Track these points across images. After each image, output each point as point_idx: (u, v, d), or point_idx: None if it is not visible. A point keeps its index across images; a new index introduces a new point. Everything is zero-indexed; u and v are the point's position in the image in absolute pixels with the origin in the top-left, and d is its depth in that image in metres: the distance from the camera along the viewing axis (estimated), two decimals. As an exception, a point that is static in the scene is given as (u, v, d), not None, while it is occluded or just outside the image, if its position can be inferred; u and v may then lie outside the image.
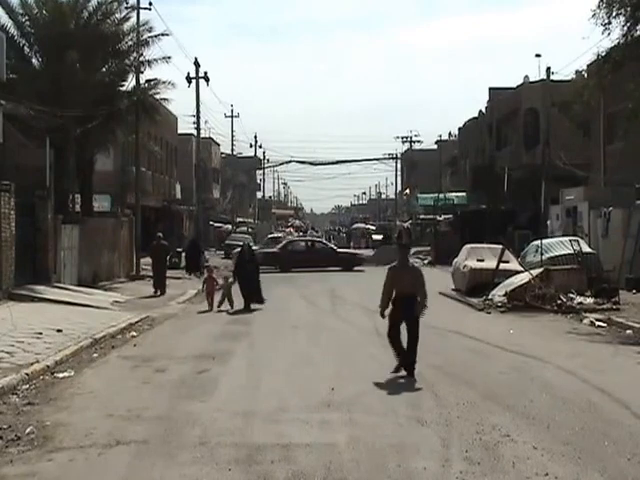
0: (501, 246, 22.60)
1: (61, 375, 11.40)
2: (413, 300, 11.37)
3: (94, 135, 29.12)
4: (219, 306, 20.36)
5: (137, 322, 17.50)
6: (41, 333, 14.32)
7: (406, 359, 11.08)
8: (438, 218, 52.26)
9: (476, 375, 11.19)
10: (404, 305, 11.31)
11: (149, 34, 30.57)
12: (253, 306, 20.27)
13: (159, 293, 24.52)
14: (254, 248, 39.36)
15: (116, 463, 7.21)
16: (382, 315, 11.53)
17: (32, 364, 11.48)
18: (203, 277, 22.11)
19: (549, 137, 35.70)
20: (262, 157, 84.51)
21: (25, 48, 28.27)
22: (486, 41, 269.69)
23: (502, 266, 21.71)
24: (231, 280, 20.94)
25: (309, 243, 39.63)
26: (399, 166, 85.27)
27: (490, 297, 20.44)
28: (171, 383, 10.89)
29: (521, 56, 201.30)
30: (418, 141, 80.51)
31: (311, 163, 75.72)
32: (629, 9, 19.15)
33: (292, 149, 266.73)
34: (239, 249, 24.31)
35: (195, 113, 42.43)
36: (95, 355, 13.35)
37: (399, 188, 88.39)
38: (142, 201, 34.92)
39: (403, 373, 11.06)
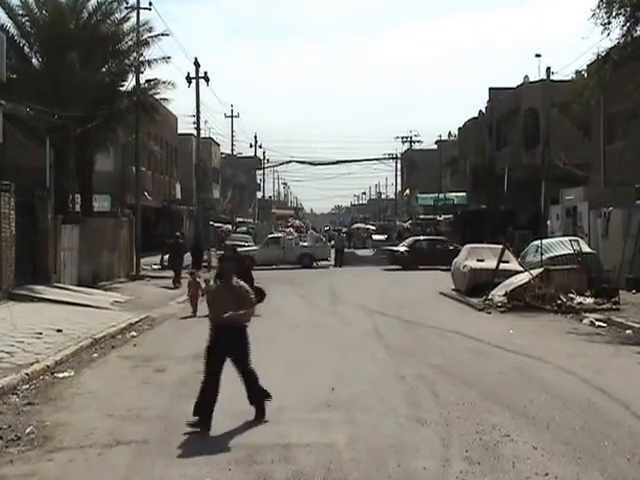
0: (501, 246, 22.61)
1: (61, 375, 11.41)
2: (237, 331, 8.57)
3: (94, 135, 29.14)
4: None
5: (137, 322, 17.51)
6: (41, 333, 14.33)
7: (212, 405, 8.37)
8: (438, 218, 52.30)
9: (476, 375, 11.18)
10: (226, 337, 8.50)
11: (149, 34, 30.61)
12: None
13: (177, 286, 25.99)
14: (250, 249, 39.91)
15: (116, 463, 7.21)
16: (208, 347, 8.71)
17: (32, 364, 11.49)
18: (187, 280, 21.11)
19: (549, 137, 35.70)
20: (262, 157, 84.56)
21: (25, 48, 28.28)
22: (486, 41, 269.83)
23: (502, 266, 21.71)
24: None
25: (432, 241, 39.79)
26: (399, 166, 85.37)
27: (490, 297, 20.44)
28: (171, 383, 10.89)
29: (521, 56, 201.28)
30: (418, 141, 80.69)
31: (311, 163, 75.83)
32: (629, 9, 19.15)
33: (292, 149, 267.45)
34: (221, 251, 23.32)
35: (195, 113, 42.42)
36: (95, 355, 13.35)
37: (399, 188, 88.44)
38: (142, 201, 34.94)
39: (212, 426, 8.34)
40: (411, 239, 39.26)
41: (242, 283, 8.81)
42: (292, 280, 30.49)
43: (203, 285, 19.86)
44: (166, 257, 31.18)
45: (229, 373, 11.64)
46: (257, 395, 8.77)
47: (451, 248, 35.22)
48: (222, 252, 21.43)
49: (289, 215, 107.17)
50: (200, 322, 18.16)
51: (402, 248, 38.14)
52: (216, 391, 8.44)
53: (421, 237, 38.07)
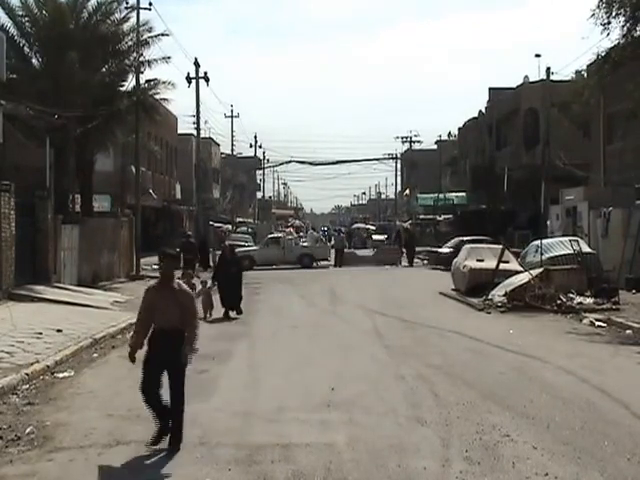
0: (501, 246, 22.62)
1: (61, 375, 11.41)
2: (178, 339, 7.70)
3: (94, 135, 29.14)
4: (205, 314, 18.26)
5: (137, 322, 17.48)
6: (41, 333, 14.33)
7: (167, 421, 7.73)
8: (438, 218, 52.34)
9: (476, 375, 11.18)
10: (165, 345, 7.71)
11: (149, 34, 30.64)
12: (235, 315, 18.57)
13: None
14: (250, 249, 39.95)
15: (116, 463, 7.21)
16: (131, 357, 7.95)
17: (32, 364, 11.49)
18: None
19: (549, 137, 35.70)
20: (262, 157, 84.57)
21: (25, 48, 28.29)
22: (486, 41, 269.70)
23: (502, 266, 21.71)
24: (210, 285, 19.27)
25: (476, 242, 39.59)
26: (399, 166, 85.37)
27: (490, 297, 20.44)
28: (171, 383, 10.87)
29: (521, 56, 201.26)
30: (418, 141, 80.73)
31: (311, 163, 75.80)
32: (628, 9, 19.16)
33: (292, 149, 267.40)
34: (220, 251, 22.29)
35: (195, 113, 42.49)
36: (95, 355, 13.36)
37: (399, 188, 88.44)
38: (142, 201, 34.95)
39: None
40: (456, 239, 39.03)
41: (184, 287, 7.87)
42: (292, 280, 30.49)
43: (200, 287, 19.84)
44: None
45: (228, 371, 11.67)
46: (175, 426, 7.68)
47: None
48: (221, 252, 21.38)
49: (289, 215, 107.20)
50: (200, 322, 18.17)
51: (447, 249, 37.94)
52: (161, 405, 7.71)
53: (465, 237, 37.91)
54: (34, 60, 28.52)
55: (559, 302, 19.27)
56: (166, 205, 51.43)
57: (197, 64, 40.18)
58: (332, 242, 47.42)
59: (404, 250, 42.46)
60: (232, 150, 72.22)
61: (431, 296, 24.01)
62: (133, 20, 30.60)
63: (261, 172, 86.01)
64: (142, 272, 31.14)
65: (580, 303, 19.34)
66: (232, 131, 69.62)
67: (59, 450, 7.59)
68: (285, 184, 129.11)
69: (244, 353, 13.64)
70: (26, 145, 23.32)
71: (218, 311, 18.73)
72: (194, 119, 43.52)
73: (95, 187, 31.22)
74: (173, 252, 8.62)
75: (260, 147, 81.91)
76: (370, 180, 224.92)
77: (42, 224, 22.42)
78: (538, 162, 37.08)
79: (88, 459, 7.30)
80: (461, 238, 37.38)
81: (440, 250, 38.99)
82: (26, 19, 28.08)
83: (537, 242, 24.36)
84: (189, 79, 39.90)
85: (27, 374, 10.89)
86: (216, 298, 18.99)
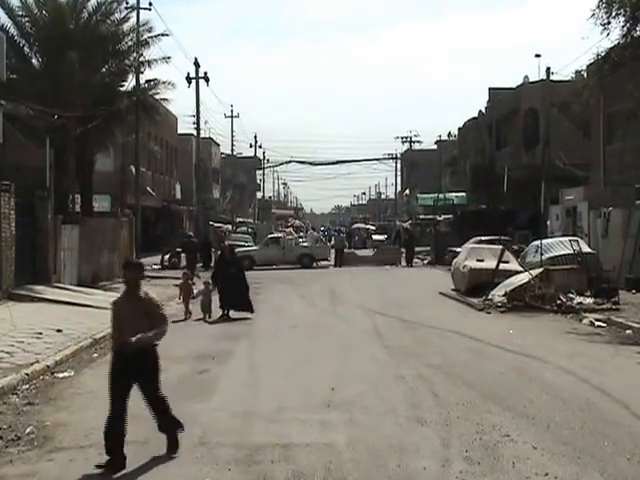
0: (501, 246, 22.62)
1: (61, 375, 11.42)
2: (146, 353, 7.36)
3: (94, 135, 29.15)
4: (205, 316, 18.31)
5: (137, 322, 17.47)
6: (41, 333, 14.34)
7: (122, 452, 7.18)
8: (438, 218, 52.21)
9: (476, 375, 11.18)
10: (131, 360, 7.27)
11: (149, 34, 30.69)
12: (237, 315, 18.35)
13: (192, 283, 26.08)
14: (250, 249, 39.94)
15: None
16: (112, 371, 7.48)
17: (32, 364, 11.50)
18: (180, 282, 20.15)
19: (549, 137, 35.71)
20: (262, 157, 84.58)
21: (25, 48, 28.31)
22: (486, 41, 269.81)
23: (502, 266, 21.71)
24: (211, 287, 19.13)
25: None
26: (399, 166, 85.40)
27: (490, 297, 20.43)
28: (171, 383, 10.83)
29: (521, 56, 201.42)
30: (418, 141, 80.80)
31: (311, 163, 75.83)
32: (628, 9, 19.16)
33: (292, 149, 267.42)
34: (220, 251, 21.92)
35: (195, 113, 42.50)
36: (95, 355, 13.35)
37: (399, 188, 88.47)
38: (142, 201, 34.96)
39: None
40: (476, 238, 38.91)
41: (151, 295, 7.51)
42: (292, 280, 30.49)
43: (202, 287, 19.82)
44: (177, 255, 31.87)
45: (228, 371, 11.68)
46: (168, 424, 7.56)
47: None
48: (220, 252, 21.35)
49: (289, 215, 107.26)
50: (200, 322, 18.19)
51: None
52: (123, 424, 7.26)
53: (484, 237, 37.67)
54: (34, 60, 28.56)
55: (559, 302, 19.27)
56: (166, 205, 51.45)
57: (197, 64, 40.22)
58: (332, 242, 47.42)
59: (403, 250, 42.46)
60: (232, 150, 72.29)
61: (431, 296, 24.01)
62: (133, 20, 30.71)
63: (261, 172, 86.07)
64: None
65: (580, 303, 19.34)
66: (232, 131, 69.75)
67: (59, 450, 7.60)
68: (285, 184, 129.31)
69: (244, 353, 13.64)
70: (26, 145, 23.32)
71: (217, 312, 18.66)
72: (194, 119, 43.60)
73: (95, 187, 31.23)
74: (137, 261, 8.37)
75: (260, 147, 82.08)
76: (370, 180, 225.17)
77: (42, 224, 22.42)
78: (538, 162, 37.08)
79: (88, 459, 7.30)
80: (479, 238, 37.42)
81: (458, 250, 38.82)
82: (26, 19, 28.09)
83: (537, 242, 24.36)
84: (189, 79, 39.92)
85: (27, 374, 10.90)
86: (215, 299, 18.90)
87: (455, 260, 25.60)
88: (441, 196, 58.67)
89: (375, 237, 59.44)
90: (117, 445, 7.13)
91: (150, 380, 7.47)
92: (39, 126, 24.42)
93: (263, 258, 38.45)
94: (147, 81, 31.41)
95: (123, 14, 30.02)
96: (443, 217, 51.88)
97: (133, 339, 7.12)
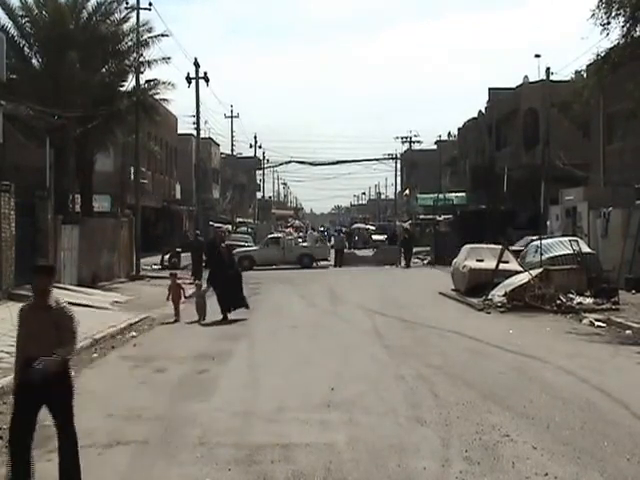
0: (501, 246, 22.61)
1: (61, 375, 11.39)
2: (52, 379, 6.15)
3: (94, 135, 29.17)
4: (200, 318, 18.11)
5: (137, 322, 17.52)
6: (41, 333, 14.30)
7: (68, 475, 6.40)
8: (438, 218, 52.20)
9: (476, 375, 11.19)
10: (35, 391, 6.20)
11: (149, 34, 30.69)
12: (237, 315, 18.20)
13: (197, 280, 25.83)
14: (249, 249, 39.94)
15: (116, 463, 7.22)
16: (15, 392, 6.51)
17: (32, 364, 11.47)
18: (168, 284, 19.86)
19: (549, 137, 35.69)
20: (262, 157, 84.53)
21: (25, 49, 28.32)
22: (486, 41, 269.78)
23: (502, 266, 21.71)
24: (204, 288, 18.97)
25: None
26: (399, 166, 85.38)
27: (490, 297, 20.44)
28: (171, 383, 10.89)
29: (521, 56, 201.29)
30: (418, 141, 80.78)
31: (311, 163, 75.79)
32: (628, 9, 19.17)
33: (292, 149, 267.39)
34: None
35: (195, 113, 42.46)
36: (95, 355, 13.36)
37: (399, 188, 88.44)
38: (142, 201, 34.96)
39: None
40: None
41: (64, 304, 6.46)
42: (292, 280, 30.50)
43: (195, 289, 19.66)
44: (177, 255, 31.75)
45: (228, 371, 11.68)
46: (70, 471, 6.43)
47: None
48: (217, 251, 21.17)
49: (289, 215, 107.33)
50: (195, 325, 18.18)
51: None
52: (28, 448, 6.28)
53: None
54: (34, 60, 28.57)
55: (559, 302, 19.27)
56: (166, 205, 51.46)
57: (197, 64, 40.19)
58: (332, 242, 47.42)
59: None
60: (232, 150, 72.24)
61: (431, 296, 24.01)
62: (133, 20, 30.68)
63: (261, 172, 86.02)
64: (142, 272, 31.21)
65: (580, 303, 19.34)
66: (232, 131, 69.69)
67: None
68: (285, 184, 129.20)
69: (244, 353, 13.64)
70: (26, 145, 23.32)
71: (214, 314, 18.33)
72: (194, 119, 43.55)
73: (95, 187, 31.24)
74: (47, 265, 7.31)
75: (260, 147, 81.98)
76: (370, 180, 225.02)
77: (42, 224, 22.41)
78: (538, 162, 37.07)
79: (88, 459, 7.30)
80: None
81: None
82: (26, 19, 28.11)
83: (537, 242, 24.36)
84: (189, 79, 39.90)
85: (27, 374, 10.87)
86: (213, 301, 18.71)
87: (455, 260, 25.60)
88: (441, 196, 58.67)
89: (375, 237, 59.43)
90: (23, 468, 6.25)
91: (61, 405, 6.37)
92: (39, 126, 24.42)
93: (263, 258, 38.47)
94: (147, 81, 31.43)
95: (123, 14, 30.07)
96: (443, 217, 51.86)
97: (36, 364, 5.98)
